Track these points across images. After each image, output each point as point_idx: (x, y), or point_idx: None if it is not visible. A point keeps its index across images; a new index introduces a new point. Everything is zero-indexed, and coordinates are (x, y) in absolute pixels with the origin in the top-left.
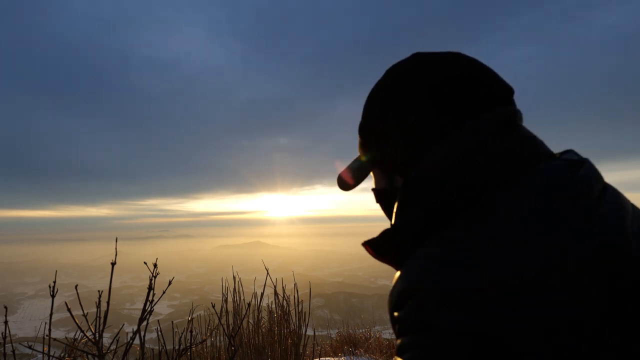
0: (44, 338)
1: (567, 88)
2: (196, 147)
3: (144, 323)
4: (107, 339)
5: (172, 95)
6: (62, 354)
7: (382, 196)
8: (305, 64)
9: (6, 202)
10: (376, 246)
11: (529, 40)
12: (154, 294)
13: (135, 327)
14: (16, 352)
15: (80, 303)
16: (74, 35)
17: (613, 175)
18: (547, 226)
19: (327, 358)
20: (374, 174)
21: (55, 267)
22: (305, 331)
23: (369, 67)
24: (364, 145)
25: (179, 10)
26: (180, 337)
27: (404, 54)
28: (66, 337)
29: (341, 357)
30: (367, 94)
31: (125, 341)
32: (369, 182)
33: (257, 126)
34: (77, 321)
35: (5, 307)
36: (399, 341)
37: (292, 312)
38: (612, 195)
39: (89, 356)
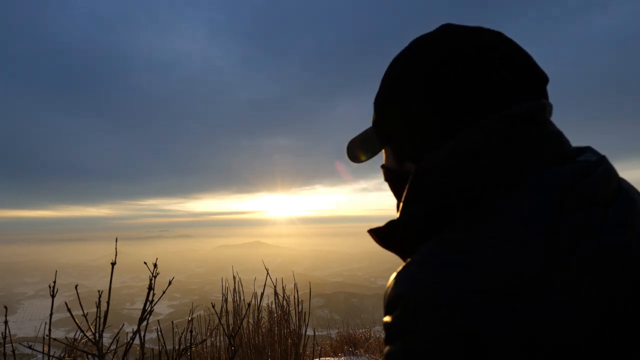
0: (44, 338)
1: (566, 88)
2: (196, 147)
3: (144, 323)
4: (107, 339)
5: (172, 95)
6: (62, 354)
7: (391, 176)
8: (304, 64)
9: (6, 202)
10: (381, 236)
11: (527, 41)
12: (154, 294)
13: (135, 327)
14: (16, 352)
15: (80, 303)
16: (74, 35)
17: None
18: (548, 226)
19: (327, 358)
20: (385, 151)
21: (55, 267)
22: (305, 331)
23: (369, 67)
24: (377, 120)
25: (179, 11)
26: (180, 337)
27: None
28: (66, 337)
29: (341, 357)
30: (367, 94)
31: (125, 341)
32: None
33: (257, 126)
34: (77, 321)
35: (5, 307)
36: (387, 348)
37: (292, 312)
38: (625, 199)
39: (89, 356)
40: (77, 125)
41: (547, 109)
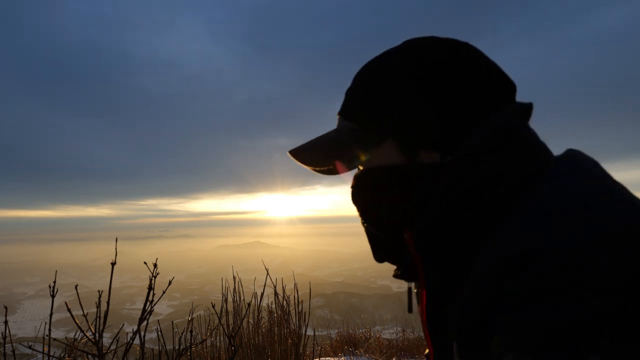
0: (44, 338)
1: (565, 88)
2: (196, 147)
3: (144, 323)
4: (107, 339)
5: (172, 95)
6: (62, 354)
7: (396, 173)
8: (304, 64)
9: (6, 202)
10: (421, 242)
11: (526, 41)
12: (154, 294)
13: (135, 327)
14: (16, 352)
15: (80, 303)
16: (74, 35)
17: (613, 175)
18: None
19: (327, 358)
20: (382, 147)
21: (55, 267)
22: (305, 331)
23: None
24: (375, 109)
25: (178, 10)
26: (180, 337)
27: None
28: (66, 337)
29: (341, 357)
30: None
31: (125, 341)
32: None
33: (257, 126)
34: (77, 321)
35: (5, 307)
36: (514, 315)
37: (292, 312)
38: None
39: (89, 356)
40: (77, 125)
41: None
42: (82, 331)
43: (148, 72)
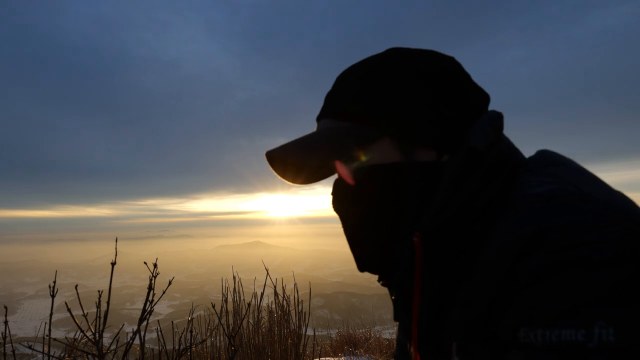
0: (44, 338)
1: (564, 88)
2: (196, 147)
3: (144, 323)
4: (107, 339)
5: (172, 95)
6: (62, 354)
7: (395, 172)
8: (303, 64)
9: (6, 202)
10: (440, 235)
11: (525, 41)
12: (154, 294)
13: (135, 327)
14: (16, 352)
15: (80, 303)
16: (73, 35)
17: (613, 175)
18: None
19: (327, 358)
20: (378, 145)
21: (55, 267)
22: (305, 331)
23: None
24: (371, 105)
25: (178, 11)
26: (180, 337)
27: None
28: (66, 337)
29: (341, 357)
30: None
31: (125, 341)
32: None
33: (256, 126)
34: (77, 321)
35: (5, 307)
36: (532, 289)
37: (292, 312)
38: None
39: (89, 356)
40: (77, 125)
41: None
42: (82, 331)
43: (148, 72)
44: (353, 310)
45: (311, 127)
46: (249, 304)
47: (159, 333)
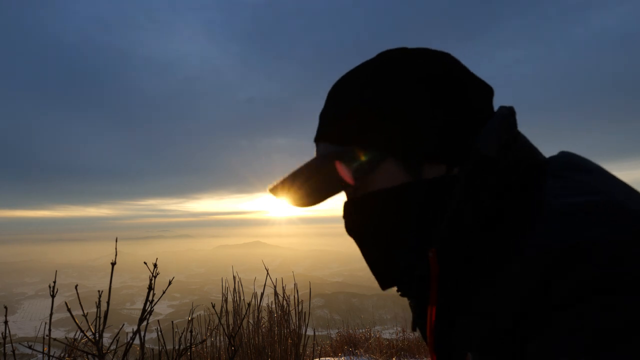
0: (44, 338)
1: (564, 88)
2: (195, 148)
3: (144, 323)
4: (107, 339)
5: (171, 95)
6: (62, 354)
7: (401, 194)
8: (303, 64)
9: (6, 202)
10: (448, 256)
11: (525, 41)
12: (154, 294)
13: (135, 327)
14: (16, 352)
15: (80, 303)
16: (73, 35)
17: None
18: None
19: (327, 358)
20: (382, 167)
21: (55, 267)
22: (305, 331)
23: None
24: (369, 127)
25: (177, 11)
26: (180, 337)
27: None
28: (66, 337)
29: (341, 357)
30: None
31: (125, 341)
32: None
33: (256, 126)
34: (77, 321)
35: (5, 307)
36: (570, 314)
37: (292, 312)
38: None
39: (89, 356)
40: (77, 125)
41: None
42: (82, 331)
43: (148, 72)
44: (353, 310)
45: (311, 127)
46: (249, 304)
47: (159, 333)
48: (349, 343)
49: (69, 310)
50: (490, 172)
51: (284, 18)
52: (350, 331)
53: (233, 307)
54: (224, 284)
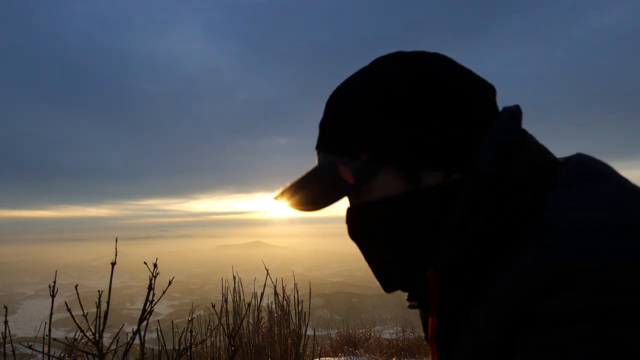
0: (44, 338)
1: (563, 88)
2: (195, 148)
3: (144, 323)
4: (107, 339)
5: (172, 95)
6: (62, 354)
7: (399, 203)
8: (303, 64)
9: (6, 202)
10: (452, 270)
11: (524, 42)
12: (154, 294)
13: (135, 327)
14: (16, 352)
15: (80, 303)
16: (73, 35)
17: None
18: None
19: (327, 358)
20: (380, 177)
21: (55, 267)
22: (305, 331)
23: None
24: (367, 137)
25: (177, 11)
26: (180, 337)
27: None
28: (66, 337)
29: (341, 357)
30: None
31: (125, 341)
32: None
33: (256, 126)
34: (77, 321)
35: (5, 307)
36: (554, 336)
37: (292, 312)
38: None
39: (89, 356)
40: (77, 126)
41: None
42: (82, 331)
43: (148, 72)
44: (353, 310)
45: (311, 127)
46: (249, 304)
47: (159, 333)
48: (349, 343)
49: (69, 310)
50: (491, 189)
51: (284, 18)
52: (350, 331)
53: (233, 307)
54: (224, 284)
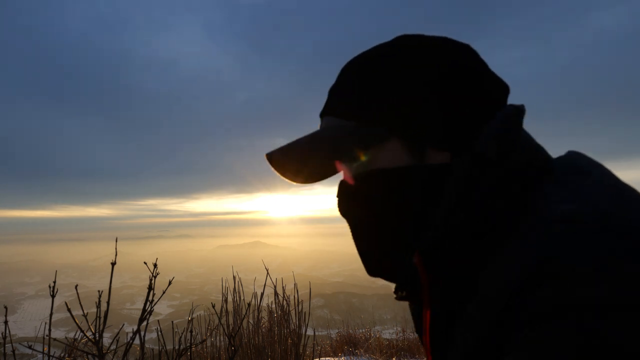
0: (44, 338)
1: (563, 88)
2: (195, 148)
3: (144, 323)
4: (107, 339)
5: (171, 95)
6: (62, 354)
7: (401, 176)
8: (302, 64)
9: (6, 202)
10: (431, 258)
11: (523, 42)
12: (154, 294)
13: (135, 327)
14: (16, 352)
15: (80, 303)
16: (73, 35)
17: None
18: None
19: (327, 358)
20: (386, 147)
21: (55, 267)
22: (305, 331)
23: None
24: (378, 104)
25: (176, 11)
26: (180, 337)
27: None
28: (66, 337)
29: (341, 357)
30: None
31: (125, 341)
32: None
33: (256, 126)
34: (77, 321)
35: (5, 307)
36: (535, 330)
37: (292, 312)
38: None
39: (89, 356)
40: (77, 125)
41: None
42: (82, 331)
43: (148, 72)
44: (353, 310)
45: (311, 128)
46: (249, 304)
47: (159, 333)
48: (349, 343)
49: (69, 310)
50: (485, 174)
51: (284, 17)
52: (350, 331)
53: (233, 307)
54: (224, 284)
